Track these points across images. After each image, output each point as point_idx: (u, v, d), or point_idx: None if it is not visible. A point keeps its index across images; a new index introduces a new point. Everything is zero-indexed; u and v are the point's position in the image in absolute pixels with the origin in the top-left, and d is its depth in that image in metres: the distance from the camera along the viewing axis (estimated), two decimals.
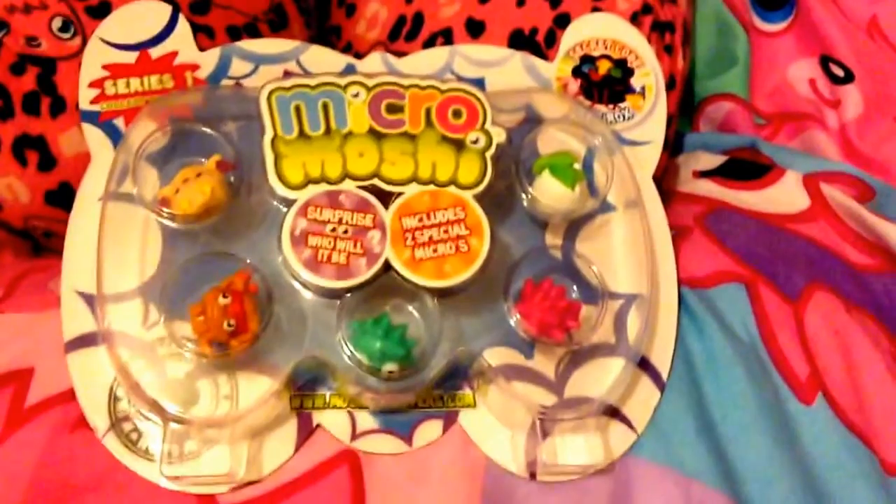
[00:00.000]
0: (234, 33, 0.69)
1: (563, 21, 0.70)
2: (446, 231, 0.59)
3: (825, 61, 0.75)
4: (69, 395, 0.57)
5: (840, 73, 0.74)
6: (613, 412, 0.60)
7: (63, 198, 0.65)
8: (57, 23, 0.65)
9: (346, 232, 0.58)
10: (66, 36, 0.65)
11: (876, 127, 0.73)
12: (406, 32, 0.72)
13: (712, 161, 0.75)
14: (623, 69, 0.69)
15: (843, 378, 0.61)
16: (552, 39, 0.70)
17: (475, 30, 0.70)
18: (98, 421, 0.56)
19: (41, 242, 0.70)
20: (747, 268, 0.65)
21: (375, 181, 0.60)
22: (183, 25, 0.65)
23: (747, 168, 0.73)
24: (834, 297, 0.63)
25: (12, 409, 0.56)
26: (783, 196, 0.69)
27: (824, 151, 0.74)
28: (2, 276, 0.65)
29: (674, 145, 0.77)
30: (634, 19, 0.71)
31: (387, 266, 0.58)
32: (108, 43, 0.64)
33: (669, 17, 0.73)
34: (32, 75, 0.65)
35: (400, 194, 0.60)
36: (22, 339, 0.59)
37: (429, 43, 0.71)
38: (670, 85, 0.71)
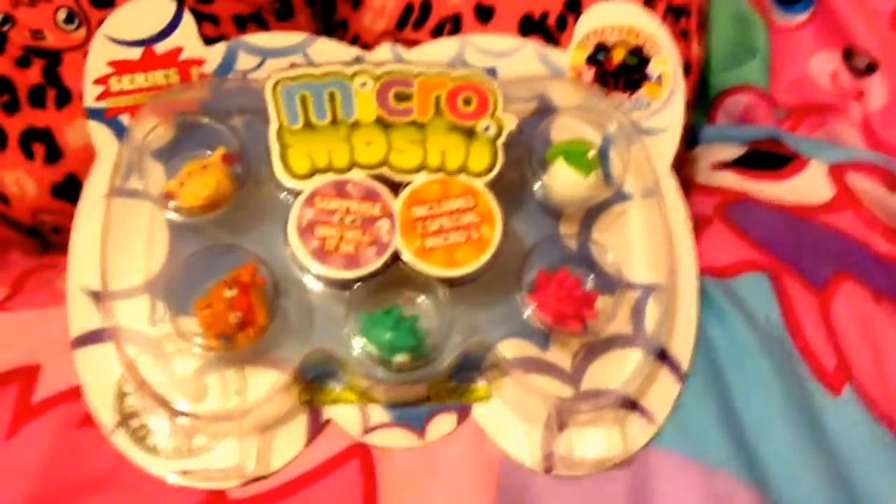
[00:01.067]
0: (240, 22, 0.69)
1: (574, 5, 0.69)
2: (457, 219, 0.57)
3: (848, 54, 0.74)
4: (76, 392, 0.56)
5: (863, 64, 0.73)
6: (632, 405, 0.58)
7: (70, 190, 0.65)
8: (62, 14, 0.65)
9: (354, 221, 0.57)
10: (71, 27, 0.65)
11: None
12: (414, 20, 0.71)
13: (732, 152, 0.73)
14: (639, 57, 0.67)
15: (871, 369, 0.59)
16: (563, 24, 0.69)
17: (484, 15, 0.69)
18: (105, 417, 0.56)
19: (49, 238, 0.69)
20: (771, 257, 0.63)
21: (384, 170, 0.59)
22: (188, 20, 0.64)
23: (769, 159, 0.71)
24: (862, 287, 0.62)
25: (19, 405, 0.56)
26: (807, 186, 0.68)
27: (848, 142, 0.73)
28: (9, 274, 0.64)
29: (692, 137, 0.76)
30: (648, 2, 0.70)
31: (396, 256, 0.57)
32: (113, 39, 0.63)
33: (684, 2, 0.72)
34: (38, 68, 0.65)
35: (409, 183, 0.59)
36: (29, 336, 0.59)
37: (437, 30, 0.70)
38: (686, 71, 0.69)
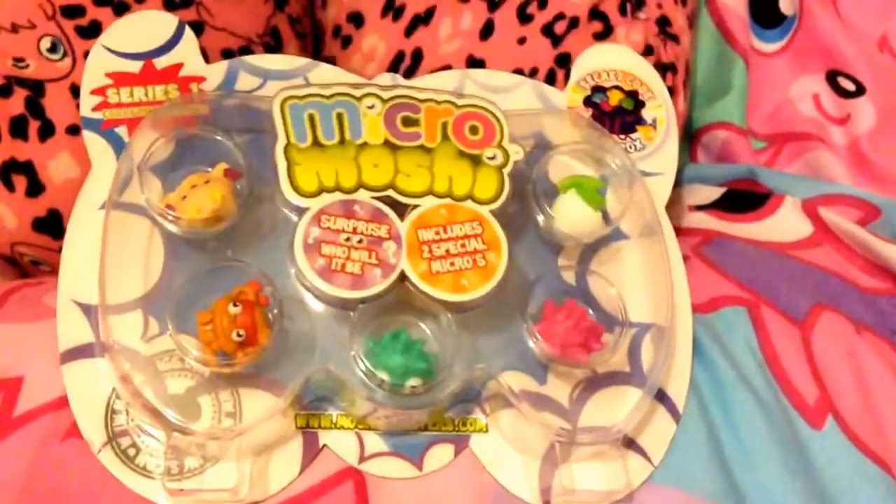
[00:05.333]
0: (229, 56, 0.67)
1: (564, 60, 0.69)
2: (463, 245, 0.57)
3: (832, 76, 0.75)
4: (60, 404, 0.54)
5: (850, 86, 0.74)
6: (629, 443, 0.58)
7: (51, 225, 0.63)
8: (45, 43, 0.63)
9: (360, 242, 0.56)
10: (56, 57, 0.63)
11: (891, 138, 0.73)
12: (405, 69, 0.71)
13: (709, 194, 0.74)
14: (635, 100, 0.68)
15: (856, 401, 0.60)
16: (553, 79, 0.69)
17: (475, 67, 0.70)
18: (94, 435, 0.53)
19: (27, 270, 0.67)
20: (748, 291, 0.63)
21: (390, 192, 0.58)
22: (189, 37, 0.63)
23: (745, 199, 0.72)
24: (842, 318, 0.62)
25: (0, 417, 0.53)
26: (783, 225, 0.69)
27: (830, 171, 0.73)
28: None
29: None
30: None
31: (401, 278, 0.56)
32: (112, 51, 0.62)
33: (672, 59, 0.73)
34: (20, 98, 0.62)
35: (415, 207, 0.58)
36: (11, 348, 0.56)
37: None
38: None
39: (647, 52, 0.72)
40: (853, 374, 0.60)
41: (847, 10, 0.75)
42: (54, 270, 0.58)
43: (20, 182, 0.63)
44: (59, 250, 0.57)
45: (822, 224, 0.68)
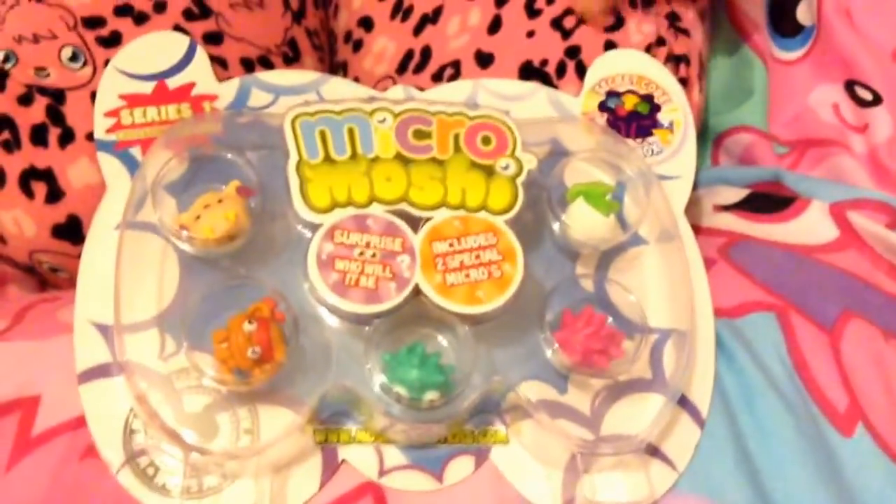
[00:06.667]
0: (248, 65, 0.68)
1: (573, 52, 0.69)
2: (478, 256, 0.57)
3: (850, 86, 0.74)
4: (78, 423, 0.54)
5: (868, 96, 0.73)
6: (653, 450, 0.57)
7: (71, 231, 0.63)
8: (67, 53, 0.64)
9: (374, 256, 0.56)
10: (76, 66, 0.64)
11: None
12: (414, 66, 0.71)
13: (734, 195, 0.73)
14: (650, 104, 0.67)
15: (886, 408, 0.59)
16: (563, 70, 0.69)
17: (484, 61, 0.69)
18: (112, 455, 0.53)
19: (47, 278, 0.68)
20: (777, 297, 0.62)
21: (404, 206, 0.58)
22: (201, 56, 0.64)
23: (770, 201, 0.71)
24: (871, 325, 0.61)
25: (19, 436, 0.53)
26: (809, 227, 0.68)
27: (852, 177, 0.72)
28: (8, 308, 0.62)
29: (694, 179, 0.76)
30: (648, 51, 0.70)
31: (416, 292, 0.56)
32: (125, 72, 0.62)
33: (684, 51, 0.73)
34: (41, 106, 0.63)
35: (429, 219, 0.58)
36: (29, 366, 0.56)
37: (437, 75, 0.70)
38: None
39: (659, 42, 0.71)
40: (882, 382, 0.59)
41: (861, 20, 0.75)
42: (73, 278, 0.58)
43: (40, 189, 0.63)
44: (79, 256, 0.58)
45: (848, 228, 0.67)
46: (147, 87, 0.62)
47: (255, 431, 0.54)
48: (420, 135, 0.60)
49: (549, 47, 0.69)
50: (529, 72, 0.69)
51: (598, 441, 0.56)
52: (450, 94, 0.66)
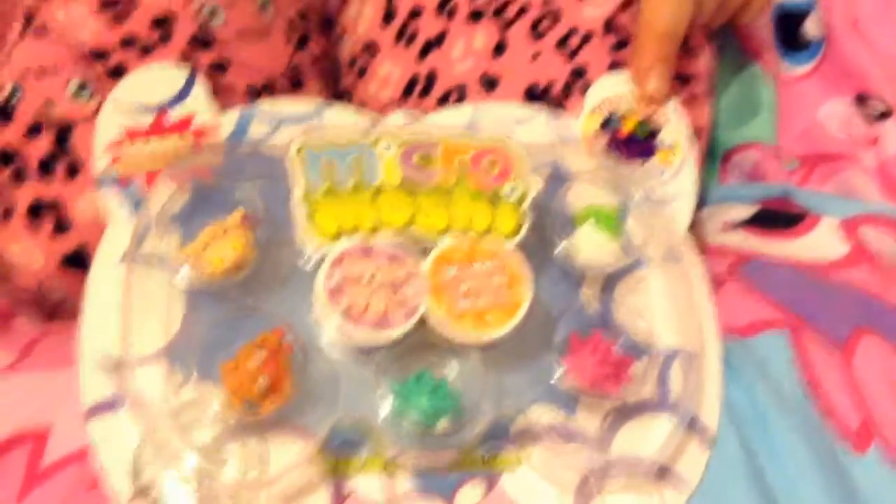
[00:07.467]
0: (253, 92, 0.68)
1: (579, 74, 0.69)
2: (485, 282, 0.56)
3: (861, 99, 0.74)
4: (86, 453, 0.54)
5: (877, 110, 0.73)
6: (664, 471, 0.57)
7: (79, 262, 0.63)
8: (73, 86, 0.64)
9: (382, 284, 0.55)
10: (84, 98, 0.63)
11: None
12: (420, 90, 0.71)
13: (744, 212, 0.73)
14: (650, 126, 0.67)
15: None
16: (568, 92, 0.68)
17: (489, 85, 0.69)
18: (122, 487, 0.53)
19: (56, 309, 0.67)
20: (789, 315, 0.63)
21: (410, 233, 0.58)
22: (200, 87, 0.64)
23: (780, 218, 0.71)
24: (884, 341, 0.61)
25: (30, 468, 0.54)
26: (819, 244, 0.68)
27: (862, 192, 0.73)
28: (17, 340, 0.62)
29: (701, 197, 0.75)
30: None
31: (424, 318, 0.55)
32: (124, 105, 0.62)
33: (692, 70, 0.73)
34: (48, 139, 0.63)
35: (436, 246, 0.57)
36: (38, 398, 0.57)
37: (443, 99, 0.70)
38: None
39: None
40: (895, 398, 0.59)
41: (869, 29, 0.75)
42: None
43: (47, 221, 0.63)
44: None
45: (858, 244, 0.67)
46: (147, 120, 0.62)
47: (265, 462, 0.54)
48: (425, 161, 0.60)
49: (555, 69, 0.69)
50: (535, 94, 0.69)
51: (610, 463, 0.56)
52: (451, 119, 0.67)
